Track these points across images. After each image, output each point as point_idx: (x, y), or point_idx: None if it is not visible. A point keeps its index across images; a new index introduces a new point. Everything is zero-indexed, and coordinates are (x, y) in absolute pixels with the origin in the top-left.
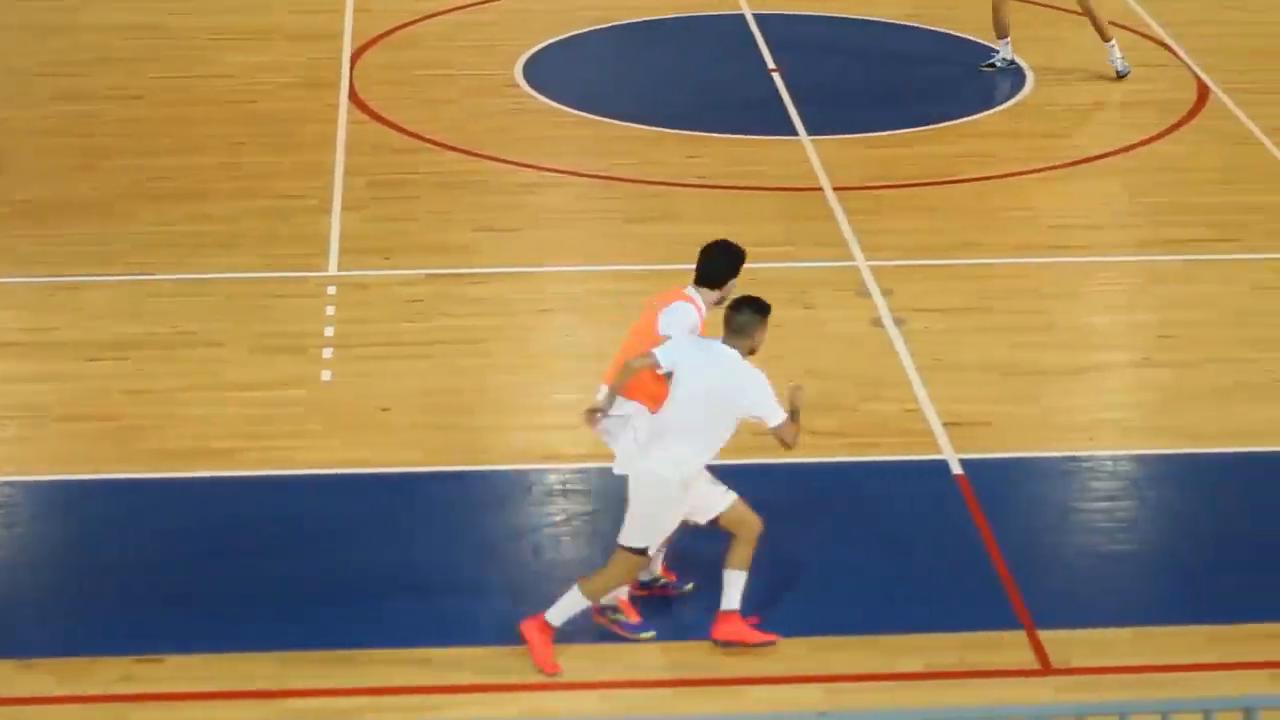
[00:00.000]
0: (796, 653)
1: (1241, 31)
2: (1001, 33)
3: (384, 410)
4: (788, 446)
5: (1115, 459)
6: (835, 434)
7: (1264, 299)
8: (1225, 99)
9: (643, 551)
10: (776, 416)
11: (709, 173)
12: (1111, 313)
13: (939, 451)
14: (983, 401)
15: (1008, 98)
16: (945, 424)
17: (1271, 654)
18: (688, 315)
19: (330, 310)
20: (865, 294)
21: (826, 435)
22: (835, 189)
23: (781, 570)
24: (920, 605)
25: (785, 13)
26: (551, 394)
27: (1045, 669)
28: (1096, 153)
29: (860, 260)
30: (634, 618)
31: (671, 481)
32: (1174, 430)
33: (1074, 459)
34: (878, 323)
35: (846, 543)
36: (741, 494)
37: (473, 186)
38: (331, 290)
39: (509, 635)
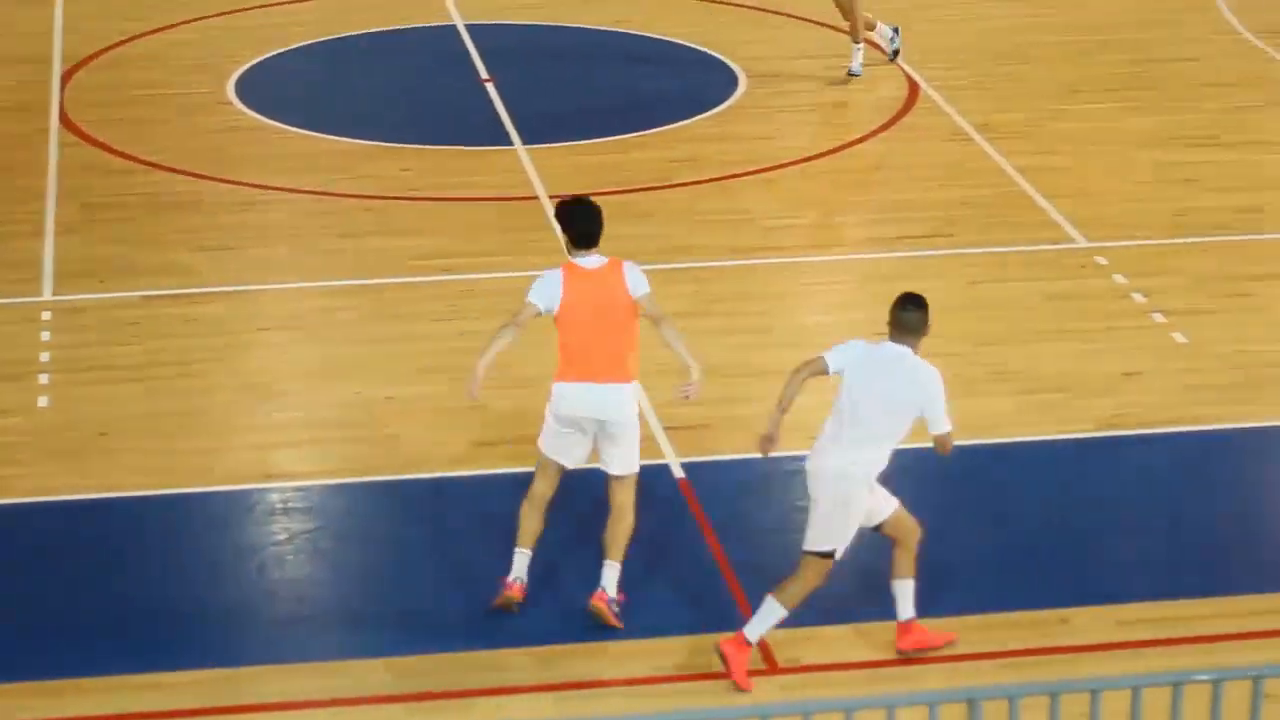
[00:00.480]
0: (523, 663)
1: (948, 29)
2: (868, 27)
3: (102, 435)
4: (945, 452)
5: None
6: None
7: (979, 293)
8: (935, 96)
9: (830, 555)
10: (946, 424)
11: (425, 185)
12: (829, 312)
13: (661, 456)
14: (702, 404)
15: (718, 102)
16: (666, 428)
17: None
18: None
19: (46, 336)
20: None
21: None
22: (551, 197)
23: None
24: (649, 609)
25: (496, 23)
26: (271, 413)
27: (772, 669)
28: (809, 153)
29: None
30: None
31: (860, 481)
32: None
33: (796, 459)
34: None
35: (576, 548)
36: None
37: (188, 207)
38: (47, 315)
39: (233, 657)
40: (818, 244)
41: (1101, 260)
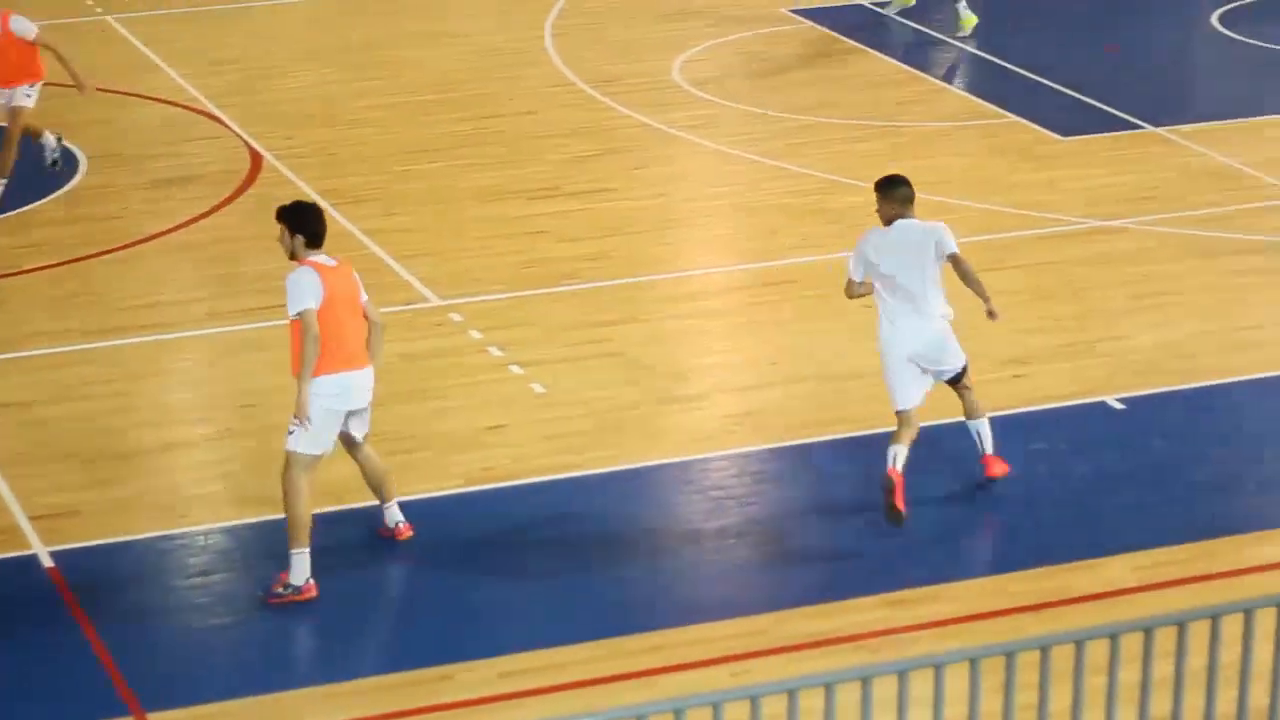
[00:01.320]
0: None
1: (288, 98)
2: (34, 134)
3: None
4: (970, 270)
5: (208, 533)
6: None
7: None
8: (279, 165)
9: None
10: (955, 246)
11: None
12: (196, 387)
13: (27, 546)
14: (69, 491)
15: (60, 186)
16: (32, 518)
17: None
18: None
19: None
20: None
21: None
22: None
23: None
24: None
25: None
26: None
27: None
28: (158, 230)
29: None
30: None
31: (947, 323)
32: (259, 499)
33: (167, 538)
34: None
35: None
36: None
37: None
38: None
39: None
40: (172, 321)
41: (456, 317)
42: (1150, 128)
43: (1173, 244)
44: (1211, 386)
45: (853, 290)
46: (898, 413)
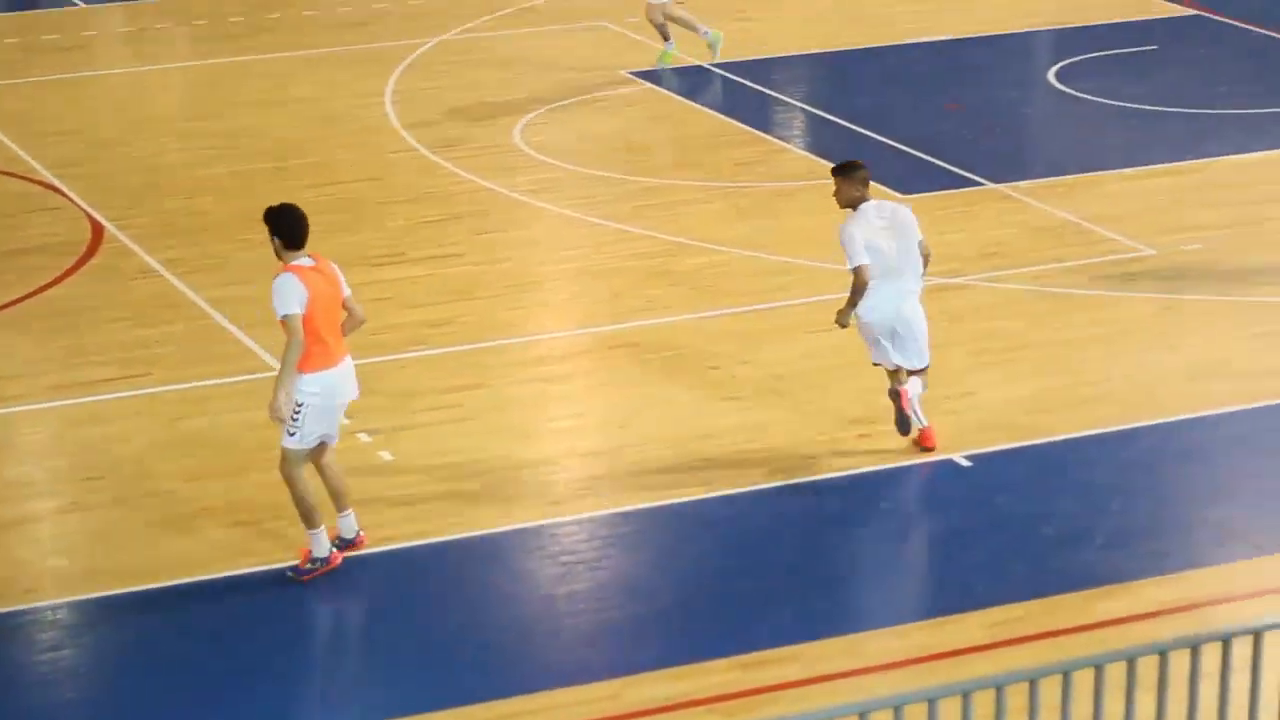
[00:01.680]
0: None
1: (128, 168)
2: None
3: None
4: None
5: (55, 608)
6: None
7: (183, 429)
8: (121, 236)
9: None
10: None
11: None
12: (34, 460)
13: None
14: None
15: None
16: None
17: None
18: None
19: None
20: None
21: None
22: None
23: None
24: None
25: None
26: None
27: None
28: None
29: None
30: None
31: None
32: (109, 571)
33: (15, 614)
34: None
35: None
36: None
37: None
38: None
39: None
40: (17, 395)
41: None
42: (992, 184)
43: (1016, 300)
44: (1057, 442)
45: (866, 275)
46: (890, 371)
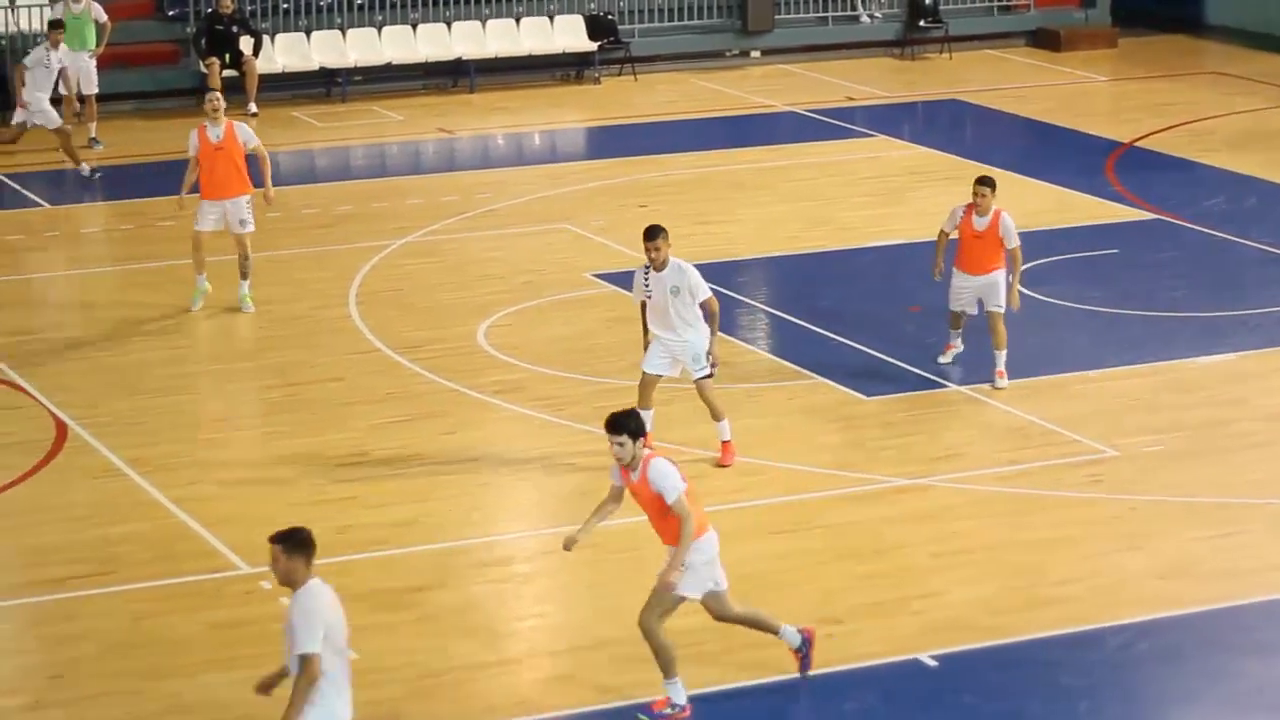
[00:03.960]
0: None
1: (91, 368)
2: None
3: None
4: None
5: None
6: None
7: (146, 628)
8: (84, 434)
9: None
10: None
11: None
12: (3, 658)
13: None
14: None
15: None
16: None
17: None
18: None
19: None
20: None
21: None
22: None
23: None
24: None
25: None
26: None
27: None
28: None
29: None
30: None
31: None
32: None
33: None
34: None
35: None
36: None
37: None
38: None
39: None
40: None
41: (266, 585)
42: (954, 386)
43: (979, 500)
44: (1023, 642)
45: None
46: None
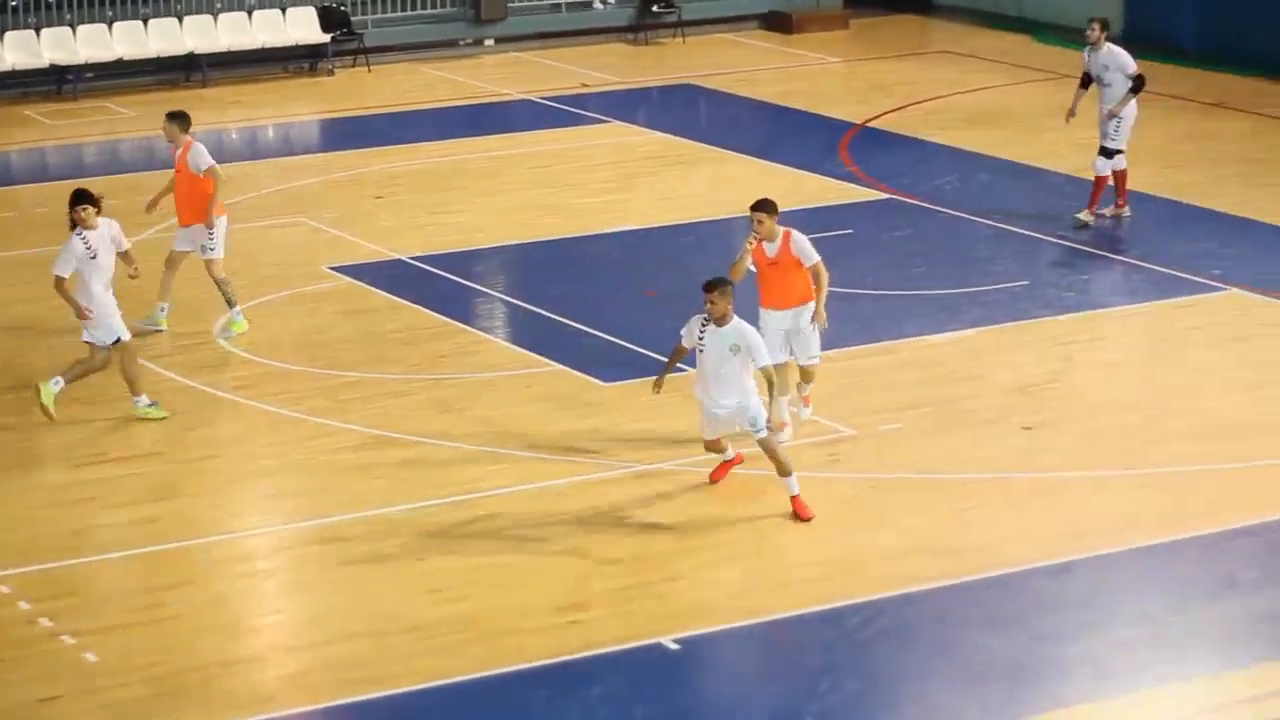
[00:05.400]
0: None
1: None
2: None
3: None
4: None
5: None
6: None
7: None
8: None
9: None
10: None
11: None
12: None
13: None
14: None
15: None
16: None
17: None
18: None
19: None
20: None
21: None
22: None
23: None
24: None
25: None
26: None
27: None
28: None
29: None
30: None
31: None
32: None
33: None
34: None
35: None
36: None
37: None
38: None
39: None
40: None
41: (4, 589)
42: (693, 370)
43: (718, 486)
44: (765, 623)
45: None
46: None
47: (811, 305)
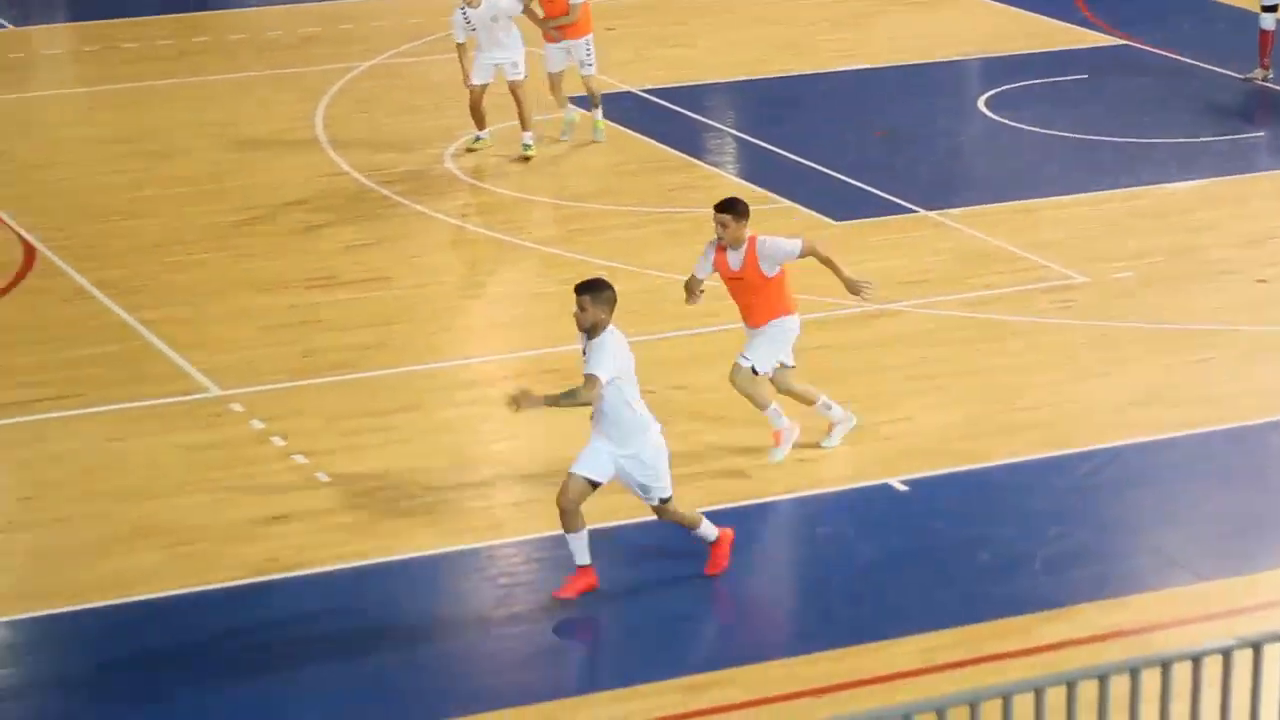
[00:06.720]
0: None
1: (54, 190)
2: None
3: None
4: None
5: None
6: None
7: (117, 449)
8: (52, 256)
9: None
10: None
11: None
12: None
13: None
14: None
15: None
16: None
17: None
18: None
19: None
20: None
21: None
22: None
23: None
24: None
25: None
26: None
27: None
28: None
29: None
30: None
31: None
32: (42, 592)
33: None
34: None
35: None
36: None
37: None
38: None
39: None
40: None
41: (237, 407)
42: (923, 211)
43: (949, 326)
44: (993, 467)
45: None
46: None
47: (787, 321)
